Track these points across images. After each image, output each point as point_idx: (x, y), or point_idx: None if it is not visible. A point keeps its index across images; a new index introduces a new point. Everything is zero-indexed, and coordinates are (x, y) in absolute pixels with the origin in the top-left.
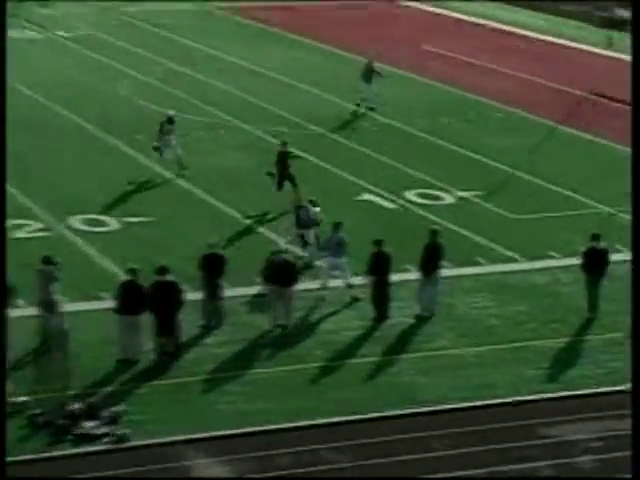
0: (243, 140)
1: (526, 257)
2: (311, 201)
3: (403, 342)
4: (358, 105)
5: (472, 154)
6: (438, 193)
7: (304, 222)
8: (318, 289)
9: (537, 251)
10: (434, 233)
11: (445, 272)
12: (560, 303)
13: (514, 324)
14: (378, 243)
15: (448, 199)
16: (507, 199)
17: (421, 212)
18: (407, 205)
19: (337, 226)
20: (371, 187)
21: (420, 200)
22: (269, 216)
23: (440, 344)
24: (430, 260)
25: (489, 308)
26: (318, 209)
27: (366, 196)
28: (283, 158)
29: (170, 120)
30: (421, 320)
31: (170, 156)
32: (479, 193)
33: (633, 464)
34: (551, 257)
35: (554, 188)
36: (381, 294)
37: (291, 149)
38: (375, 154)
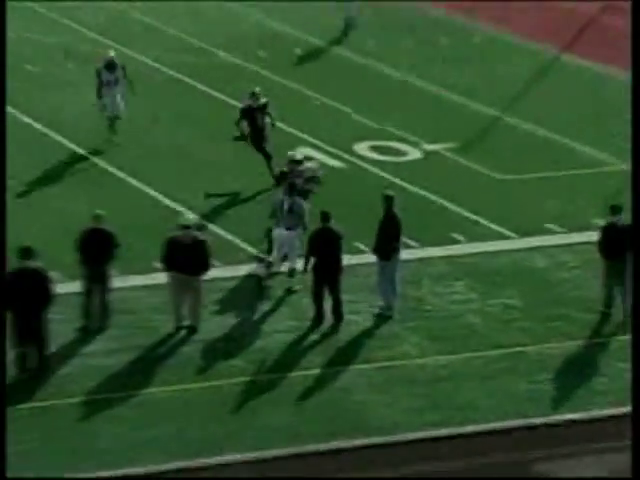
0: (135, 75)
1: (518, 232)
2: (296, 161)
3: (353, 349)
4: (346, 34)
5: (445, 92)
6: (400, 146)
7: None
8: (259, 276)
9: (532, 224)
10: (388, 200)
11: (410, 254)
12: (563, 294)
13: (501, 323)
14: (324, 217)
15: (413, 154)
16: (491, 153)
17: (377, 172)
18: (359, 163)
19: (291, 187)
20: (311, 139)
21: (376, 156)
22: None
23: (402, 351)
24: (387, 238)
25: (468, 302)
26: (313, 164)
27: (304, 151)
28: (252, 115)
29: (110, 65)
30: (377, 319)
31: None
32: (454, 145)
33: (633, 465)
34: (551, 232)
35: (554, 137)
36: (326, 286)
37: (265, 101)
38: (316, 94)
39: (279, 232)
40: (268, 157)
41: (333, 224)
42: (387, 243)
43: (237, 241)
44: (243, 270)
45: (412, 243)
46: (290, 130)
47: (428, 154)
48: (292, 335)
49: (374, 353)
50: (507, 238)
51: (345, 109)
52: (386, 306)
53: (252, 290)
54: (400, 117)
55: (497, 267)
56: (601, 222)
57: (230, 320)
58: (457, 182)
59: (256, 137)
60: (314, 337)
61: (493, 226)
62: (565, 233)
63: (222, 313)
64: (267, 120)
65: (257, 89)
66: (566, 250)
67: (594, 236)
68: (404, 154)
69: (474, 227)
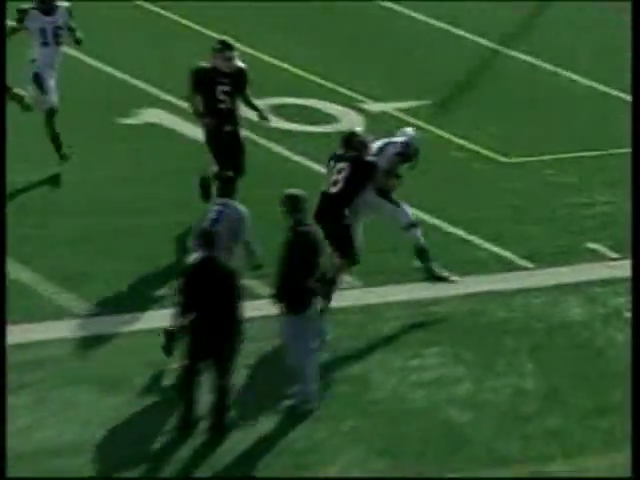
0: None
1: (536, 259)
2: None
3: (247, 468)
4: None
5: (406, 10)
6: (326, 106)
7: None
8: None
9: (562, 243)
10: (295, 206)
11: (346, 299)
12: (616, 368)
13: (509, 420)
14: (207, 239)
15: (347, 119)
16: (489, 117)
17: (283, 152)
18: (250, 136)
19: (226, 182)
20: (165, 95)
21: (283, 123)
22: None
23: (333, 471)
24: (297, 275)
25: (450, 383)
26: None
27: (158, 116)
28: (214, 87)
29: (48, 3)
30: (288, 416)
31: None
32: (421, 103)
33: (633, 465)
34: (595, 257)
35: (601, 88)
36: (206, 361)
37: (242, 67)
38: (183, 18)
39: None
40: (236, 170)
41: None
42: (297, 283)
43: (44, 284)
44: (58, 331)
45: (350, 280)
46: (135, 82)
47: (375, 119)
48: (147, 446)
49: (285, 475)
50: (518, 269)
51: (236, 44)
52: (302, 393)
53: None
54: (330, 57)
55: (500, 321)
56: None
57: (26, 419)
58: (428, 170)
59: (215, 128)
60: (184, 451)
61: (493, 248)
62: (619, 259)
63: (17, 406)
64: (236, 100)
65: (226, 38)
66: (621, 290)
67: None
68: (332, 120)
69: (460, 250)
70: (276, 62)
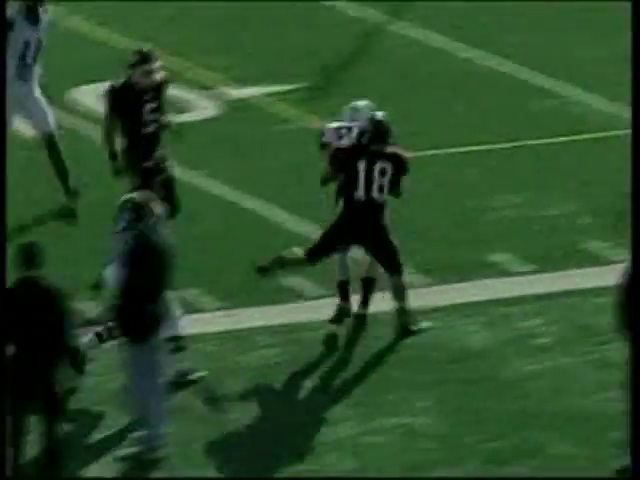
0: None
1: (432, 275)
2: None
3: None
4: None
5: None
6: (173, 93)
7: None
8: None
9: (460, 253)
10: (138, 210)
11: (206, 323)
12: (530, 405)
13: (402, 474)
14: (28, 257)
15: (202, 106)
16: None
17: None
18: (79, 123)
19: (147, 173)
20: None
21: None
22: None
23: None
24: (141, 296)
25: (335, 425)
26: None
27: None
28: (136, 105)
29: (33, 12)
30: (136, 465)
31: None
32: (292, 87)
33: (633, 463)
34: (499, 270)
35: (501, 62)
36: (31, 409)
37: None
38: None
39: (111, 272)
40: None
41: (41, 273)
42: (139, 304)
43: None
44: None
45: (205, 302)
46: None
47: (236, 107)
48: None
49: None
50: (425, 287)
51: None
52: (148, 438)
53: None
54: (180, 31)
55: (387, 349)
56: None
57: None
58: (297, 166)
59: (137, 153)
60: None
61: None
62: (528, 273)
63: None
64: (160, 117)
65: (147, 48)
66: (531, 310)
67: (604, 278)
68: (181, 108)
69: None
70: (109, 36)
